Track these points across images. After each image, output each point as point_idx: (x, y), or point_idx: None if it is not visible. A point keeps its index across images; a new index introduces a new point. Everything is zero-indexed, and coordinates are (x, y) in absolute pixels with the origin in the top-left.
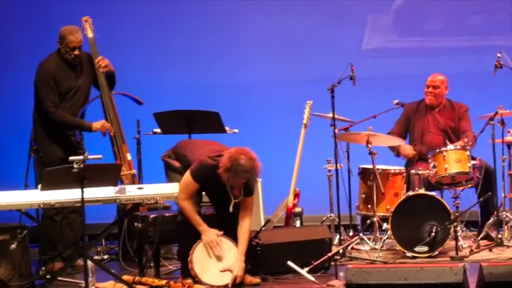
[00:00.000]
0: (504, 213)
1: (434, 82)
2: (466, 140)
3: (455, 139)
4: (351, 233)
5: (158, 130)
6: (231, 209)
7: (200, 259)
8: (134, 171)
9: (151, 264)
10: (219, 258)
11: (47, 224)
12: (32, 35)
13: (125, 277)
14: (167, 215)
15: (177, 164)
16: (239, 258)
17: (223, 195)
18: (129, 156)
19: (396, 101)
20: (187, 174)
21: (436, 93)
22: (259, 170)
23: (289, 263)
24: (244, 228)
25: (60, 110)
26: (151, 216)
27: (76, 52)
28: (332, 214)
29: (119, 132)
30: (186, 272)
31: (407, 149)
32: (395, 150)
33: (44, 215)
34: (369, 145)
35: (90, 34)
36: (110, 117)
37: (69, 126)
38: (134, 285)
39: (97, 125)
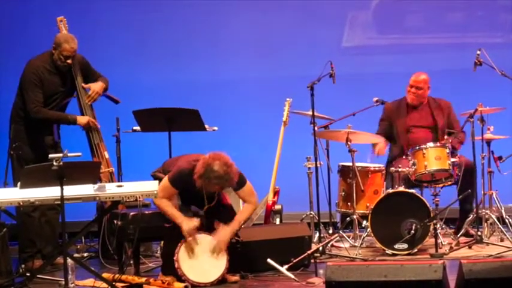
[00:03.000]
0: (484, 210)
1: (418, 83)
2: (450, 141)
3: (441, 137)
4: (330, 231)
5: (137, 128)
6: (203, 212)
7: (186, 258)
8: (112, 168)
9: (131, 261)
10: (204, 256)
11: (24, 220)
12: (8, 34)
13: (105, 275)
14: (147, 212)
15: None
16: (227, 227)
17: (200, 200)
18: (106, 154)
19: (376, 99)
20: (165, 179)
21: (418, 93)
22: (233, 176)
23: (269, 260)
24: (243, 210)
25: (43, 109)
26: (131, 213)
27: (69, 61)
28: (312, 212)
29: (97, 131)
30: (167, 269)
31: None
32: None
33: (21, 211)
34: (349, 143)
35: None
36: (88, 116)
37: (53, 121)
38: (114, 283)
39: (82, 119)
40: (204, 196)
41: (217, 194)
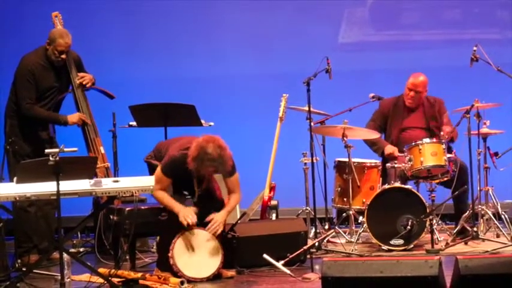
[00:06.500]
0: (479, 206)
1: (417, 87)
2: (442, 134)
3: (437, 135)
4: (326, 226)
5: (134, 123)
6: (195, 199)
7: (181, 253)
8: (108, 164)
9: (127, 257)
10: (199, 251)
11: (20, 214)
12: (2, 29)
13: (101, 270)
14: (143, 207)
15: (158, 163)
16: (222, 211)
17: (191, 186)
18: (102, 150)
19: (372, 95)
20: (158, 170)
21: (417, 97)
22: (227, 158)
23: (265, 256)
24: (232, 198)
25: (35, 106)
26: (127, 209)
27: (63, 56)
28: (308, 207)
29: (92, 126)
30: (163, 264)
31: (394, 150)
32: (378, 148)
33: (17, 206)
34: (345, 138)
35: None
36: (83, 111)
37: (44, 121)
38: (110, 278)
39: (73, 118)
40: (195, 181)
41: (208, 180)
